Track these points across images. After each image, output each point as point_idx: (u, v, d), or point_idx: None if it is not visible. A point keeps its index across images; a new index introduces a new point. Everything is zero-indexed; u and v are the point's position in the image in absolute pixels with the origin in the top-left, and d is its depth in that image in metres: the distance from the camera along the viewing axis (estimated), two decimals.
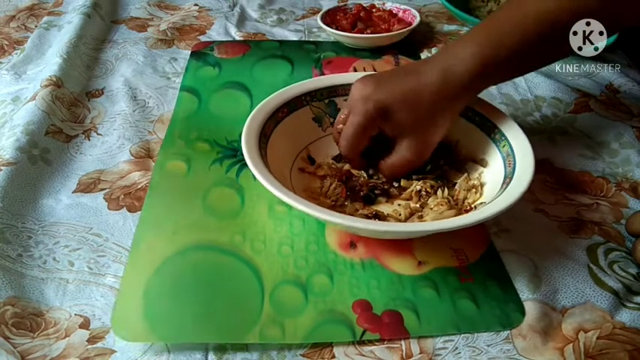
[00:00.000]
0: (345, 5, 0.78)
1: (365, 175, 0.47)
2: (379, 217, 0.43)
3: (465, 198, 0.44)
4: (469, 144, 0.48)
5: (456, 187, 0.46)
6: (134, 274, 0.39)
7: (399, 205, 0.45)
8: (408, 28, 0.71)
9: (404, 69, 0.44)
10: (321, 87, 0.51)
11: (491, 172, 0.45)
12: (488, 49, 0.41)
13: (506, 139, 0.44)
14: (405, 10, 0.77)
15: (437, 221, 0.39)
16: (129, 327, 0.36)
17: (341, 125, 0.45)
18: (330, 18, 0.76)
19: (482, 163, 0.46)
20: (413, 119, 0.41)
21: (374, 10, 0.78)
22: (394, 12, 0.77)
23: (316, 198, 0.46)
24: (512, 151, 0.43)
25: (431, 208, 0.43)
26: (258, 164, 0.39)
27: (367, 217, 0.43)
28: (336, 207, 0.45)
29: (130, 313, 0.37)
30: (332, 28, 0.72)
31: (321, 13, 0.75)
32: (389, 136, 0.44)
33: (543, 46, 0.42)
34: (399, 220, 0.43)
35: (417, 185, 0.45)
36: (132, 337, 0.35)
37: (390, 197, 0.46)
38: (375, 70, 0.67)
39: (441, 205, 0.43)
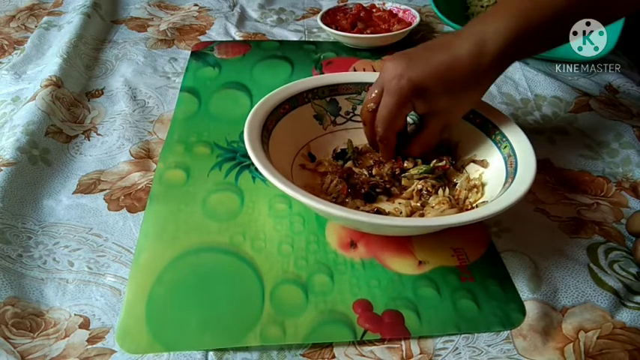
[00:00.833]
0: (345, 5, 0.78)
1: (366, 173, 0.47)
2: (380, 214, 0.43)
3: (467, 197, 0.44)
4: (470, 145, 0.48)
5: (456, 186, 0.46)
6: (136, 286, 0.39)
7: (400, 203, 0.44)
8: (407, 29, 0.71)
9: (435, 43, 0.43)
10: (322, 85, 0.51)
11: (493, 172, 0.45)
12: (522, 15, 0.40)
13: (507, 140, 0.44)
14: (405, 10, 0.77)
15: (440, 217, 0.39)
16: (133, 340, 0.35)
17: (372, 104, 0.44)
18: (330, 18, 0.76)
19: (483, 164, 0.46)
20: (447, 94, 0.41)
21: (374, 10, 0.78)
22: (394, 12, 0.77)
23: (317, 195, 0.45)
24: (513, 152, 0.43)
25: (432, 207, 0.43)
26: (261, 158, 0.39)
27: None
28: (337, 204, 0.45)
29: (134, 326, 0.36)
30: (332, 28, 0.72)
31: (321, 13, 0.75)
32: (419, 113, 0.43)
33: (575, 13, 0.41)
34: None
35: (418, 184, 0.45)
36: (137, 350, 0.35)
37: (391, 196, 0.46)
38: (374, 71, 0.67)
39: (443, 204, 0.43)
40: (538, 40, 0.42)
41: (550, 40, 0.44)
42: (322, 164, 0.49)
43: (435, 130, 0.45)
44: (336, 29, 0.72)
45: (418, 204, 0.44)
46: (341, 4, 0.82)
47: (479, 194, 0.44)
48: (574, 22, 0.42)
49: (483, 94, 0.44)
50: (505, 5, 0.41)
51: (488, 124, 0.46)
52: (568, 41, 0.45)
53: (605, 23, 0.43)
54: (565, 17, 0.41)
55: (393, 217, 0.41)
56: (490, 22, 0.41)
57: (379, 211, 0.43)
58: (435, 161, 0.46)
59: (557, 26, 0.42)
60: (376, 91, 0.44)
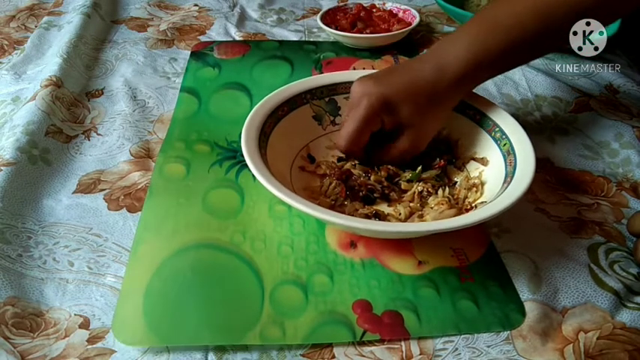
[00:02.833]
0: (345, 5, 0.78)
1: (364, 175, 0.47)
2: (379, 216, 0.43)
3: (466, 197, 0.44)
4: (470, 142, 0.48)
5: (456, 185, 0.46)
6: (134, 277, 0.39)
7: (399, 203, 0.44)
8: (407, 28, 0.71)
9: (399, 66, 0.45)
10: (321, 85, 0.51)
11: (492, 170, 0.45)
12: (481, 45, 0.41)
13: (507, 137, 0.44)
14: (405, 10, 0.77)
15: (437, 221, 0.39)
16: (129, 330, 0.36)
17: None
18: (330, 18, 0.76)
19: (483, 161, 0.46)
20: (414, 110, 0.42)
21: (374, 10, 0.78)
22: (394, 12, 0.77)
23: (316, 197, 0.46)
24: (512, 149, 0.42)
25: (431, 207, 0.43)
26: (258, 164, 0.39)
27: (367, 216, 0.43)
28: (336, 206, 0.45)
29: (131, 316, 0.36)
30: (332, 28, 0.72)
31: (320, 13, 0.75)
32: (387, 129, 0.44)
33: (538, 39, 0.43)
34: (399, 220, 0.43)
35: (418, 187, 0.45)
36: (132, 341, 0.35)
37: (390, 202, 0.46)
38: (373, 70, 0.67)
39: (442, 204, 0.43)
40: (502, 61, 0.44)
41: (509, 64, 0.46)
42: (321, 166, 0.49)
43: (403, 146, 0.45)
44: (336, 29, 0.72)
45: (417, 205, 0.44)
46: (341, 4, 0.82)
47: (478, 193, 0.44)
48: (532, 48, 0.44)
49: (449, 113, 0.46)
50: (468, 27, 0.43)
51: (487, 121, 0.46)
52: (537, 57, 0.48)
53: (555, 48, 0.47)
54: (521, 45, 0.42)
55: (390, 223, 0.40)
56: (450, 46, 0.43)
57: (378, 213, 0.43)
58: (420, 168, 0.46)
59: (515, 52, 0.43)
60: (347, 113, 0.45)
